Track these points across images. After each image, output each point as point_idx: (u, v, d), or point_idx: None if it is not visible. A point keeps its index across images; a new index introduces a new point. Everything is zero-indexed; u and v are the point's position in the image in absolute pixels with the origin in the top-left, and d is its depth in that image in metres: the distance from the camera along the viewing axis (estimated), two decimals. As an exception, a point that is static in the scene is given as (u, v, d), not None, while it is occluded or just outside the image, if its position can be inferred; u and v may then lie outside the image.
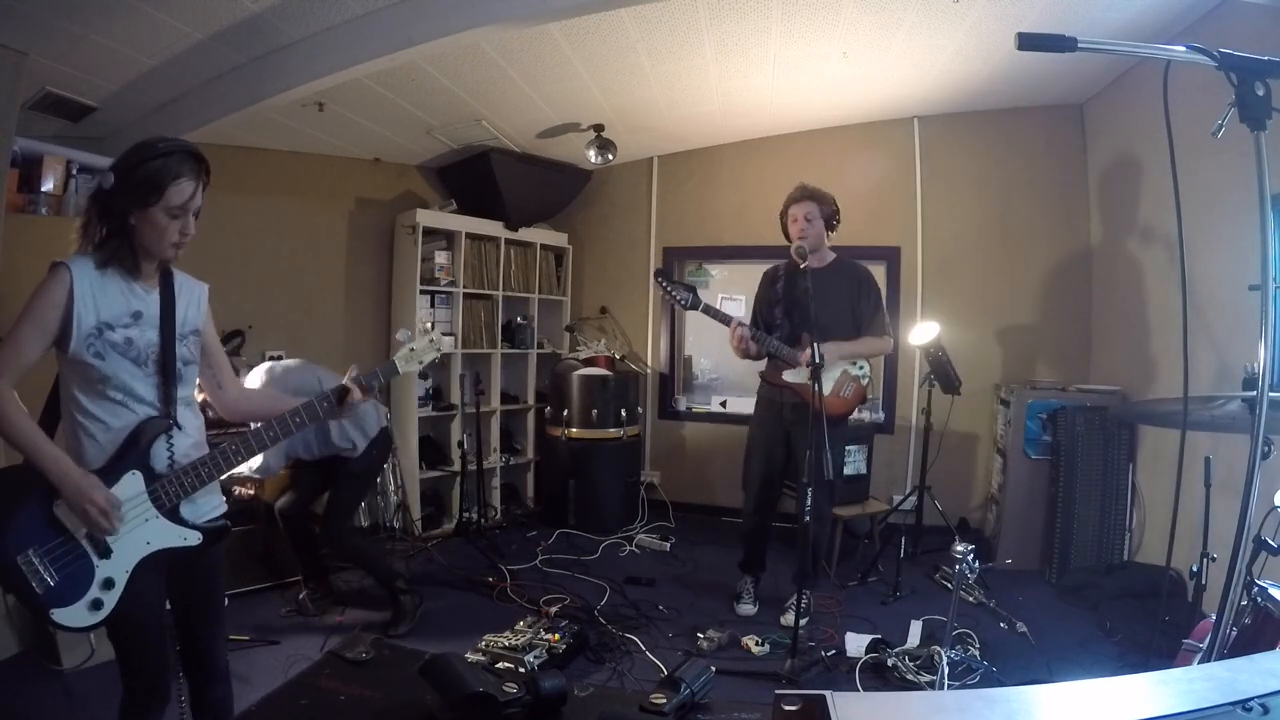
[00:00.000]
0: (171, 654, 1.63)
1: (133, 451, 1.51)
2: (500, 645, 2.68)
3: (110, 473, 1.48)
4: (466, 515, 4.57)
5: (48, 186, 3.21)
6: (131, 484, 1.50)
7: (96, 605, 1.45)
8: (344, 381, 1.74)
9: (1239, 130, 1.14)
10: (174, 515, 1.55)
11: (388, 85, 3.45)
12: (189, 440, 1.62)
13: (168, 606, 1.64)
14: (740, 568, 3.48)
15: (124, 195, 1.47)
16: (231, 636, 2.83)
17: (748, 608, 3.34)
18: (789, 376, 3.18)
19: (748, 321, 3.33)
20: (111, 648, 1.58)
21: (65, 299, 1.44)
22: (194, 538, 1.57)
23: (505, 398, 5.06)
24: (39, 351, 1.46)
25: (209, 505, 1.66)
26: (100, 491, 1.44)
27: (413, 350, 1.84)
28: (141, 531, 1.51)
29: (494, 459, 4.84)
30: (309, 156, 4.31)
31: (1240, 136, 1.15)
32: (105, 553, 1.47)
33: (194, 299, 1.67)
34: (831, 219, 3.25)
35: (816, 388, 2.68)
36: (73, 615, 1.44)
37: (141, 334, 1.53)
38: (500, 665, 2.44)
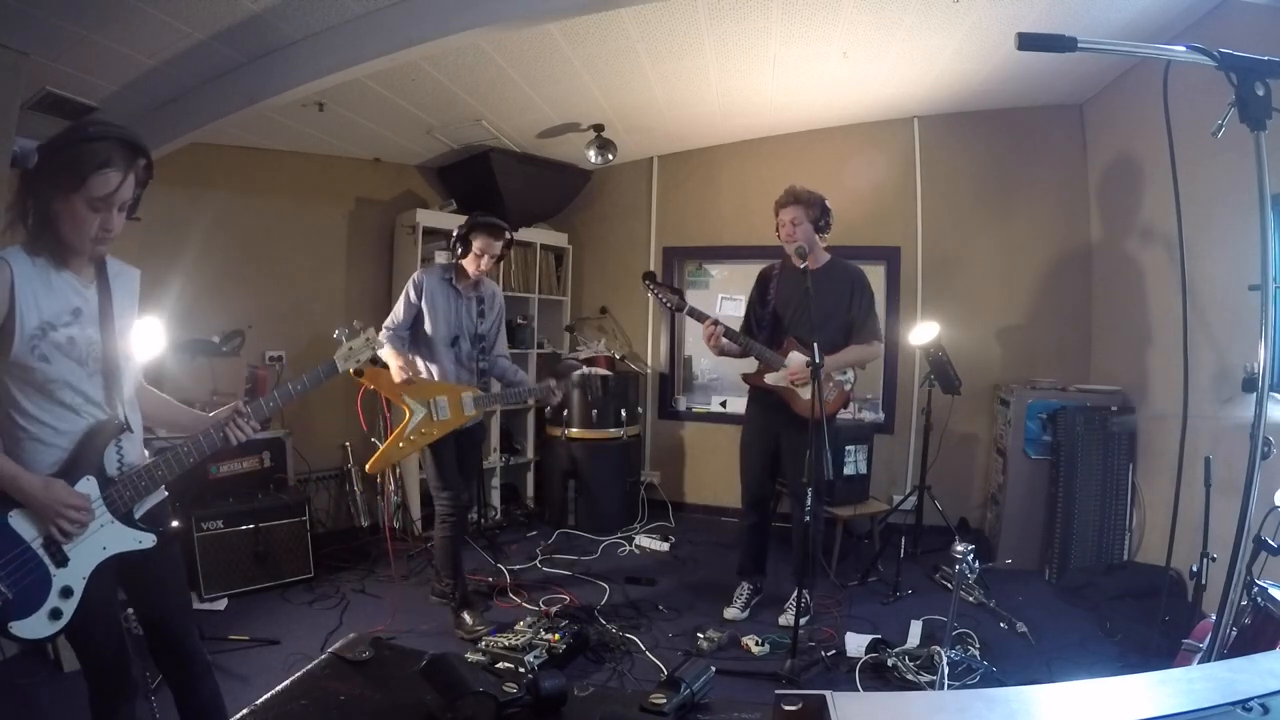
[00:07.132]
0: (130, 647, 1.62)
1: (86, 456, 1.47)
2: (500, 645, 2.68)
3: (64, 479, 1.44)
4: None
5: (47, 186, 3.20)
6: (86, 490, 1.47)
7: (56, 614, 1.42)
8: (222, 414, 1.65)
9: (1239, 130, 1.14)
10: (128, 519, 1.53)
11: (388, 85, 3.45)
12: (136, 442, 1.59)
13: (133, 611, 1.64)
14: (737, 573, 3.40)
15: (45, 178, 1.36)
16: (231, 636, 2.84)
17: (734, 611, 3.25)
18: (771, 379, 3.17)
19: (740, 321, 3.34)
20: (72, 652, 1.59)
21: (7, 296, 1.36)
22: (148, 540, 1.55)
23: (505, 398, 5.06)
24: None
25: (152, 502, 1.63)
26: (74, 495, 1.41)
27: (350, 349, 1.86)
28: (98, 537, 1.48)
29: (494, 459, 4.84)
30: (309, 156, 4.31)
31: (1240, 136, 1.15)
32: (62, 561, 1.43)
33: (127, 289, 1.59)
34: (819, 220, 3.15)
35: (817, 389, 2.67)
36: (32, 626, 1.40)
37: (82, 331, 1.46)
38: (500, 665, 2.45)
